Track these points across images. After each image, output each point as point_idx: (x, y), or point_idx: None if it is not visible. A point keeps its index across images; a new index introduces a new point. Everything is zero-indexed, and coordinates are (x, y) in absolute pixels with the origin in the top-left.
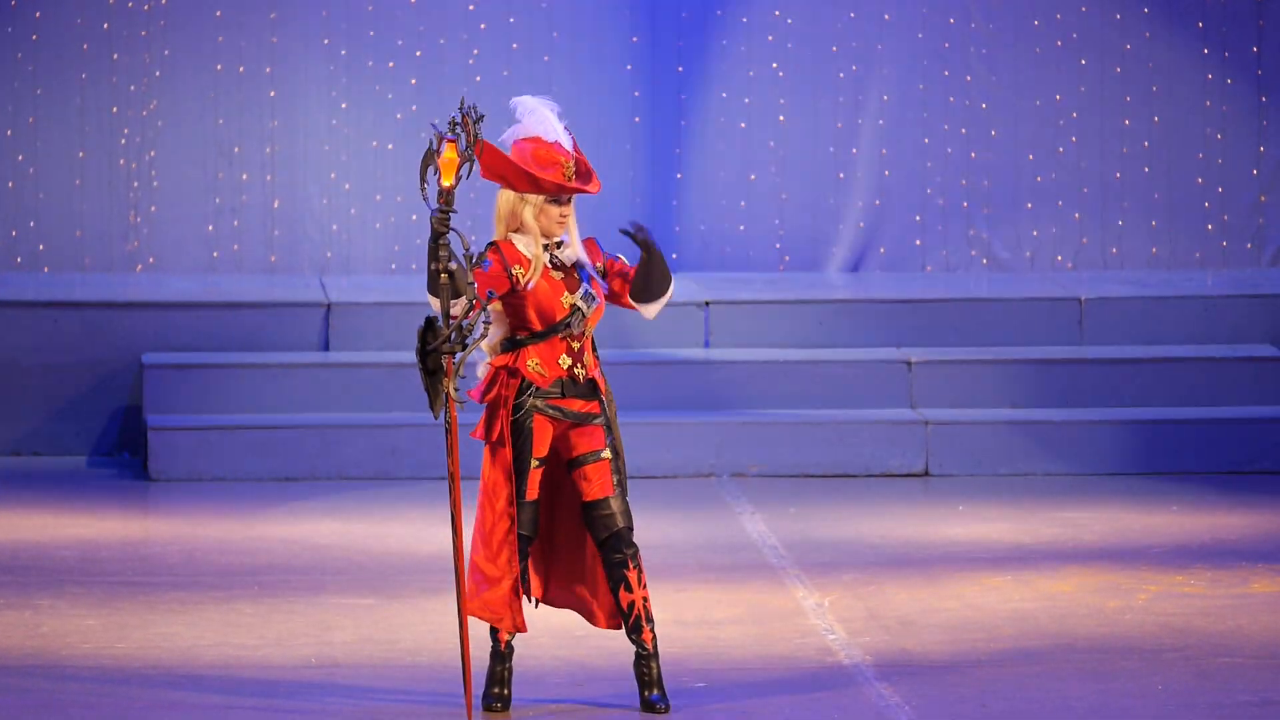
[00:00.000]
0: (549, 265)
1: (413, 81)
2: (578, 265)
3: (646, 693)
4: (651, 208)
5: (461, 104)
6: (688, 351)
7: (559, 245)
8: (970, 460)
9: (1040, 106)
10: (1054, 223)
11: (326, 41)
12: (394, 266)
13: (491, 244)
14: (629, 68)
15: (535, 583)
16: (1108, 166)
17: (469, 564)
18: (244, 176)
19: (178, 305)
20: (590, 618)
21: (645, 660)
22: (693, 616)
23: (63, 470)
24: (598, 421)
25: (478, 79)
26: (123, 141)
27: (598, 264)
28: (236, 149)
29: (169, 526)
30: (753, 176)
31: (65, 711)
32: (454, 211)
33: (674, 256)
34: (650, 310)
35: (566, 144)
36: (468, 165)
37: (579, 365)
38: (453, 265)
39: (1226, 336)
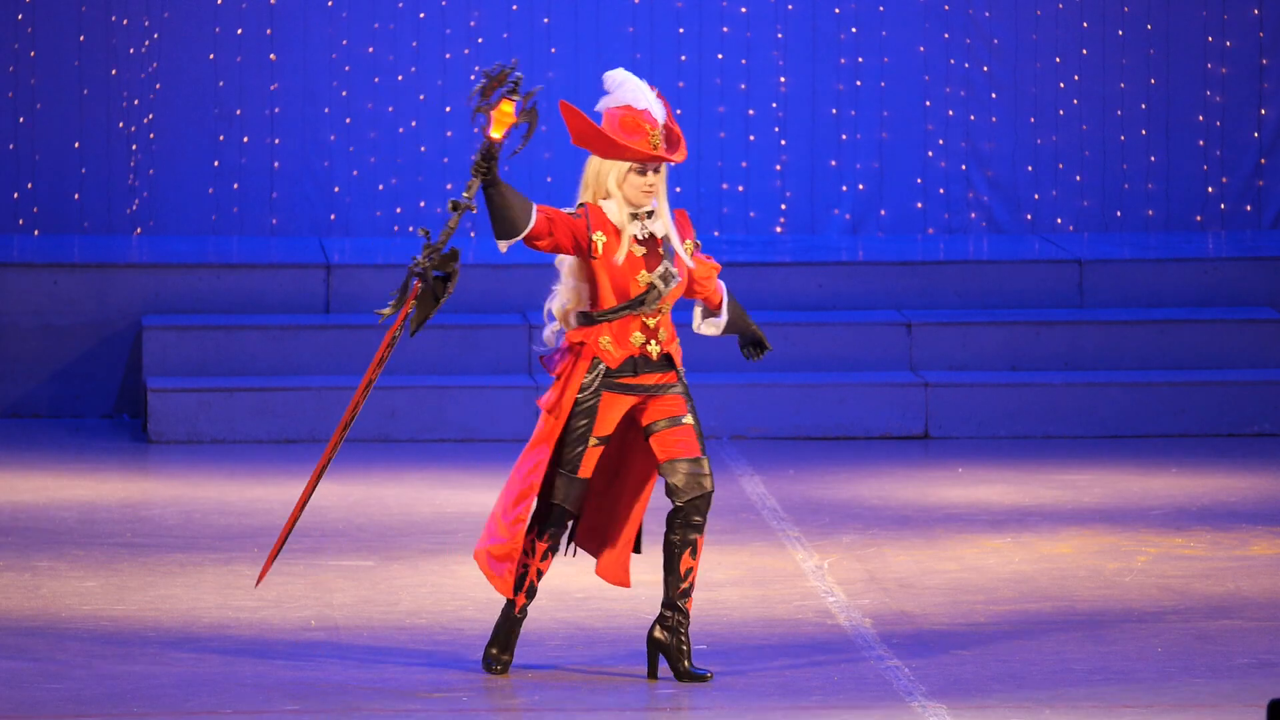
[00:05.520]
0: (635, 238)
1: (414, 44)
2: (665, 240)
3: (687, 663)
4: None
5: (514, 65)
6: (688, 314)
7: (649, 215)
8: (970, 422)
9: (1041, 69)
10: (1054, 185)
11: (330, 3)
12: (395, 229)
13: (582, 204)
14: (630, 29)
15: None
16: (1108, 129)
17: (491, 513)
18: (245, 139)
19: (178, 267)
20: (610, 574)
21: (684, 629)
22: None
23: (62, 432)
24: (675, 390)
25: (479, 40)
26: (122, 104)
27: (687, 240)
28: (237, 111)
29: (168, 488)
30: (752, 137)
31: (64, 673)
32: (486, 168)
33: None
34: (709, 332)
35: (657, 112)
36: (522, 130)
37: (653, 342)
38: (461, 203)
39: (1226, 299)
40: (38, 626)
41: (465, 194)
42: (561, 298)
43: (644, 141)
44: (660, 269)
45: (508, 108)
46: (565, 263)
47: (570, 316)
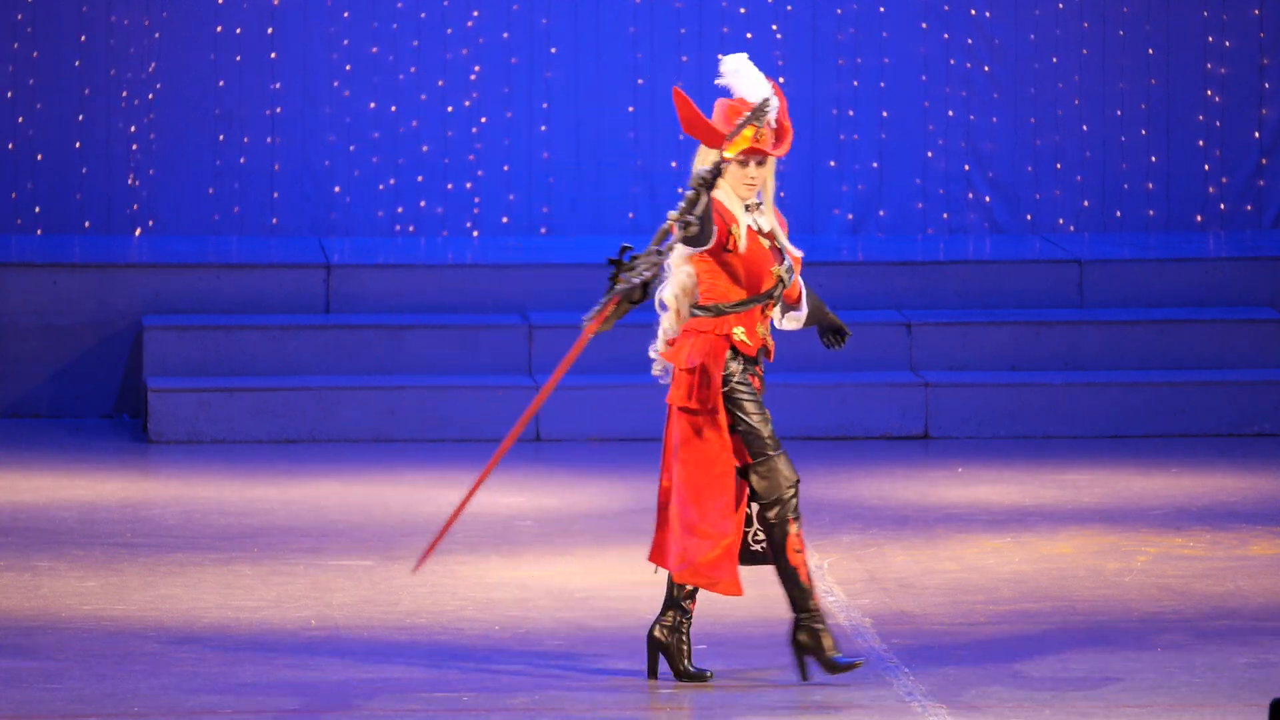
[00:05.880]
0: (753, 229)
1: (415, 43)
2: (773, 234)
3: (686, 663)
4: (652, 169)
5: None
6: None
7: (757, 208)
8: (970, 423)
9: (1040, 69)
10: (1054, 185)
11: (330, 2)
12: (396, 228)
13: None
14: (631, 29)
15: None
16: (1108, 129)
17: (676, 531)
18: (245, 139)
19: (178, 267)
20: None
21: (685, 628)
22: None
23: (63, 432)
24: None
25: (480, 41)
26: (122, 104)
27: (785, 231)
28: (238, 111)
29: (169, 488)
30: None
31: (64, 673)
32: (712, 182)
33: None
34: (790, 326)
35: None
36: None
37: (769, 334)
38: (690, 220)
39: (1226, 299)
40: (38, 626)
41: (691, 209)
42: (679, 286)
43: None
44: (785, 262)
45: (749, 133)
46: (680, 252)
47: (685, 307)
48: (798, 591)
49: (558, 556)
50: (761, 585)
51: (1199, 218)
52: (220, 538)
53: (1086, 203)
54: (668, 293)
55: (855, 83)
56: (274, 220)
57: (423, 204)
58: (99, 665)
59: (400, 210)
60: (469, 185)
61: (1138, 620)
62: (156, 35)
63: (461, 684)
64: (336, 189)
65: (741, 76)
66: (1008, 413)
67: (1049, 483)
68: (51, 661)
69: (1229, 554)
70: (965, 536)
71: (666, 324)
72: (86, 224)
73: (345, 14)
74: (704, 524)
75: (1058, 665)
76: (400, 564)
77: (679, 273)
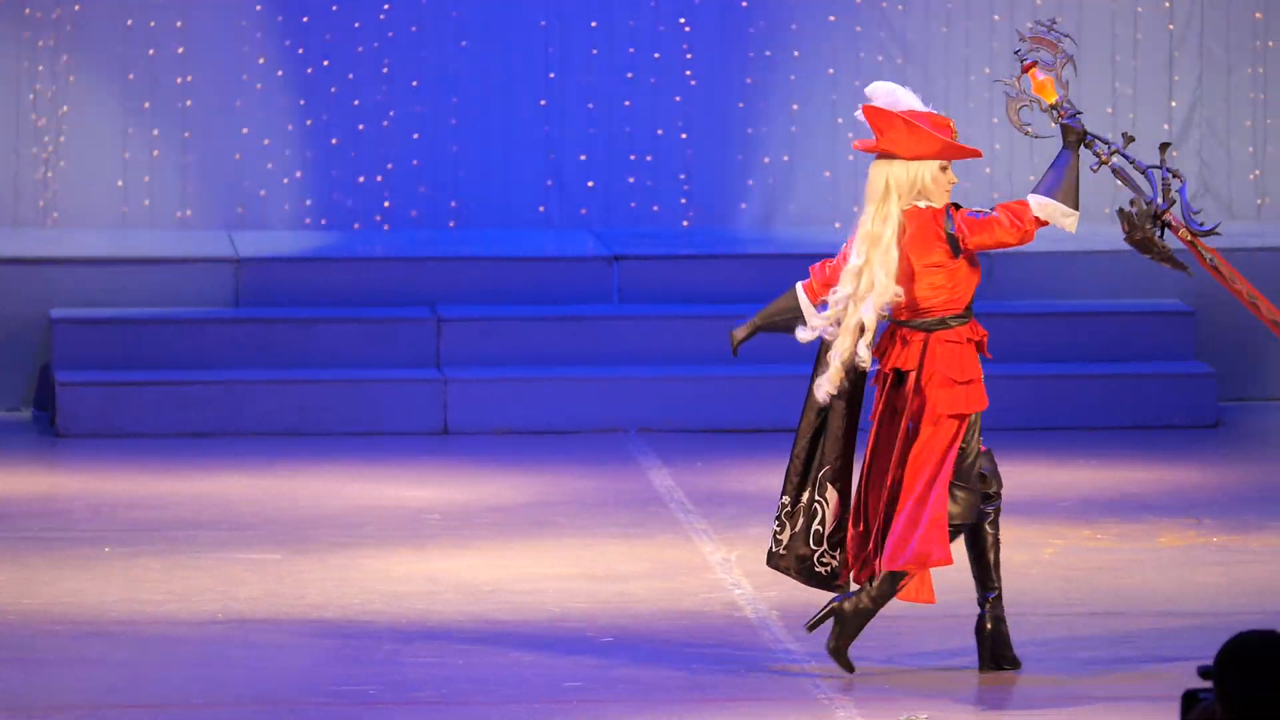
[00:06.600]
0: None
1: (327, 37)
2: None
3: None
4: (563, 163)
5: (1039, 24)
6: (597, 306)
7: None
8: None
9: (952, 62)
10: (964, 178)
11: None
12: (307, 221)
13: (953, 204)
14: (542, 24)
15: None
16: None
17: (901, 529)
18: (155, 132)
19: (87, 261)
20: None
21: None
22: (601, 571)
23: None
24: None
25: (390, 35)
26: (32, 97)
27: None
28: (147, 104)
29: (77, 482)
30: (660, 131)
31: None
32: (1080, 112)
33: (583, 212)
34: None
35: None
36: (1068, 69)
37: None
38: (1113, 159)
39: (1136, 291)
40: None
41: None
42: (883, 305)
43: (952, 137)
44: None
45: (1036, 76)
46: (889, 269)
47: (926, 315)
48: (998, 582)
49: (464, 550)
50: (670, 577)
51: (1107, 209)
52: (128, 531)
53: (997, 195)
54: (869, 314)
55: (768, 75)
56: (188, 213)
57: (333, 197)
58: (5, 660)
59: (309, 203)
60: (379, 179)
61: (1045, 614)
62: (69, 28)
63: (369, 677)
64: (246, 182)
65: (903, 93)
66: None
67: None
68: None
69: (1137, 546)
70: None
71: (862, 349)
72: None
73: (258, 7)
74: (932, 513)
75: (964, 655)
76: (308, 557)
77: (887, 292)
